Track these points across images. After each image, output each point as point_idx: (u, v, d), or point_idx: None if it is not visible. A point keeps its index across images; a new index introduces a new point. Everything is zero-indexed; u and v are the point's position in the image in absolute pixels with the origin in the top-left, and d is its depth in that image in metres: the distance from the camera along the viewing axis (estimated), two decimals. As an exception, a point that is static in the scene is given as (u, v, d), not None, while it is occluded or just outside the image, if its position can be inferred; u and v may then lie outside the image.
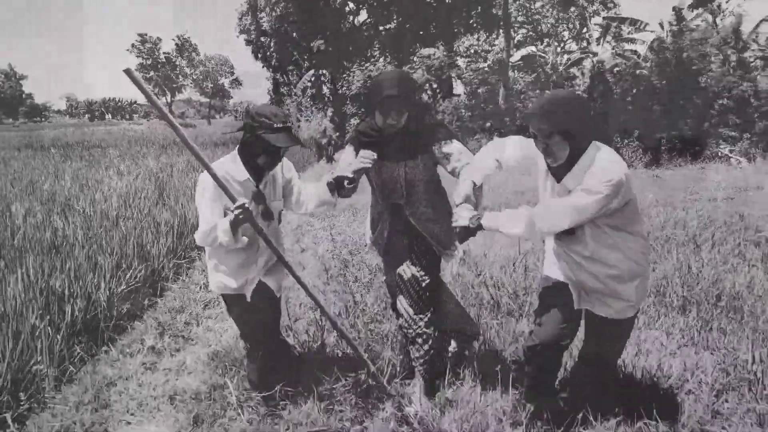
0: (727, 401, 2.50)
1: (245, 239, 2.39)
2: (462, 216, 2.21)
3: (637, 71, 15.65)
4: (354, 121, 19.70)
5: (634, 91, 15.32)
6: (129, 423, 2.70)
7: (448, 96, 19.12)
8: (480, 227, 2.18)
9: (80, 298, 3.54)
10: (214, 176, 2.17)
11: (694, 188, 9.63)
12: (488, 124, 16.28)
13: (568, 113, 1.99)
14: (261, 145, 2.37)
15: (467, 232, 2.21)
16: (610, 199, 1.95)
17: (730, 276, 4.13)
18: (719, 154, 14.23)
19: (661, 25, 18.45)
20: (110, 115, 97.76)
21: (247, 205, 2.23)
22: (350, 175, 2.43)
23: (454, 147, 2.54)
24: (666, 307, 3.62)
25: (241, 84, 65.83)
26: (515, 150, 2.35)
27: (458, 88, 21.39)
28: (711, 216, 6.69)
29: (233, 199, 2.22)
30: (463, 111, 16.90)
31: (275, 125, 2.35)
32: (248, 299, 2.56)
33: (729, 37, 14.94)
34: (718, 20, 20.01)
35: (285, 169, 2.65)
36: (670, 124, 14.66)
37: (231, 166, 2.47)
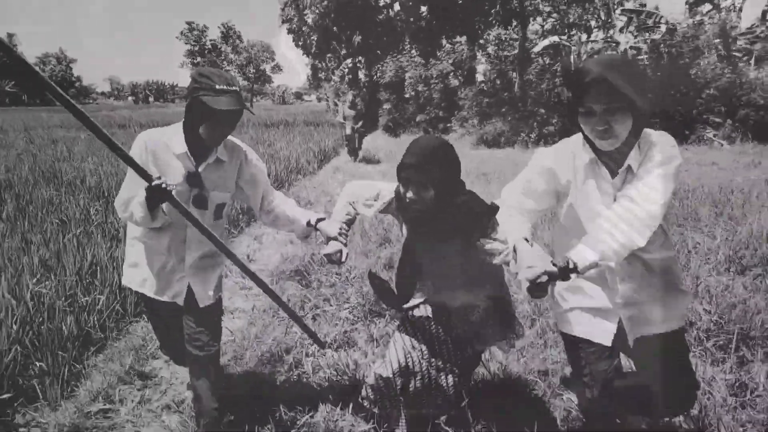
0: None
1: (166, 219, 2.12)
2: (538, 263, 1.64)
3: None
4: (386, 107, 22.18)
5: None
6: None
7: (471, 84, 21.47)
8: (574, 270, 1.65)
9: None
10: (118, 150, 1.86)
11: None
12: (503, 110, 18.63)
13: (635, 78, 1.68)
14: (200, 109, 2.03)
15: (548, 283, 1.63)
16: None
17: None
18: (704, 137, 16.27)
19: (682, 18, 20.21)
20: (152, 98, 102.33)
21: (166, 185, 1.93)
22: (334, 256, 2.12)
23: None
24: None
25: (281, 69, 69.09)
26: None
27: (481, 76, 23.69)
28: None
29: (147, 178, 1.93)
30: (482, 97, 19.25)
31: (217, 86, 2.02)
32: (180, 304, 2.25)
33: (717, 33, 16.86)
34: (723, 15, 21.75)
35: (246, 161, 2.31)
36: (663, 111, 16.75)
37: (171, 136, 2.17)
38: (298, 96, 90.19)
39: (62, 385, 2.80)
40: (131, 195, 2.08)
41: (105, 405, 2.64)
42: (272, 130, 18.73)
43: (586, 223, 1.82)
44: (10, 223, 5.00)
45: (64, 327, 3.13)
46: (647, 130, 1.76)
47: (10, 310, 3.08)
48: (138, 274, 2.27)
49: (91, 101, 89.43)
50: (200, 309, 2.24)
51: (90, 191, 6.50)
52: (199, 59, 62.99)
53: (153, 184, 1.90)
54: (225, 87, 2.02)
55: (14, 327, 2.98)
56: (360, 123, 13.01)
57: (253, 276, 2.25)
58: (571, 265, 1.63)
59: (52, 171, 8.12)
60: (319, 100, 53.12)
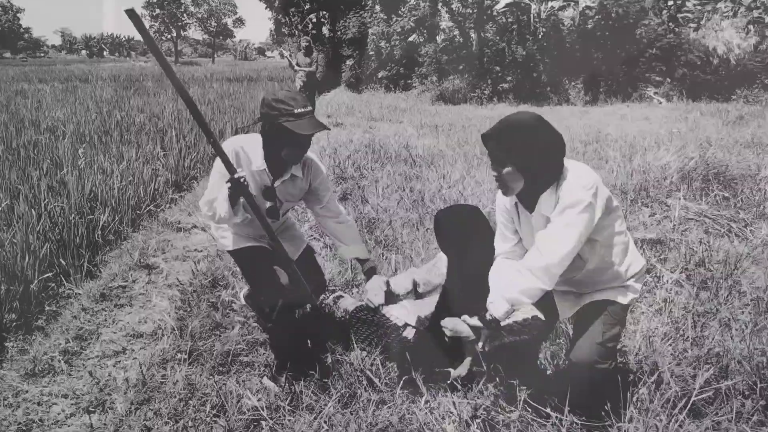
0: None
1: (246, 216, 2.27)
2: (462, 326, 1.98)
3: (587, 24, 18.63)
4: (349, 63, 22.62)
5: (581, 40, 18.39)
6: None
7: (432, 41, 22.05)
8: (495, 322, 1.86)
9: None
10: (215, 144, 2.06)
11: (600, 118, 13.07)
12: (461, 67, 19.40)
13: (527, 144, 1.76)
14: (283, 135, 2.15)
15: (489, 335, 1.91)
16: (594, 207, 1.74)
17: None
18: (646, 95, 17.49)
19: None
20: (107, 52, 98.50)
21: (244, 180, 2.11)
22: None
23: None
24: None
25: (243, 23, 67.45)
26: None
27: (442, 33, 24.24)
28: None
29: (231, 171, 2.09)
30: (441, 54, 19.94)
31: (296, 110, 2.13)
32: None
33: (661, -5, 17.88)
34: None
35: (313, 175, 2.45)
36: (608, 69, 17.84)
37: (253, 149, 2.31)
38: (261, 52, 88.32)
39: (83, 276, 3.64)
40: (215, 196, 2.27)
41: (122, 282, 3.50)
42: (235, 84, 19.08)
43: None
44: (8, 161, 5.65)
45: (77, 236, 3.93)
46: (568, 167, 1.82)
47: (33, 222, 3.86)
48: (230, 237, 2.52)
49: (42, 54, 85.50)
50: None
51: (73, 136, 7.12)
52: (158, 11, 60.95)
53: (234, 176, 2.08)
54: (302, 110, 2.14)
55: (39, 233, 3.77)
56: (315, 72, 10.99)
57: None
58: (490, 318, 1.85)
59: (29, 119, 8.61)
60: (282, 56, 52.41)
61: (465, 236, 2.30)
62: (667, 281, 3.36)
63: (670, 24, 18.07)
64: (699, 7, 19.53)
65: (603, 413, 2.03)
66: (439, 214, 2.40)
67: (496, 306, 1.84)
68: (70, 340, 2.84)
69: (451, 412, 2.27)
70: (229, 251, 2.55)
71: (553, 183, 1.81)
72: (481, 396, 2.26)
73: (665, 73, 17.55)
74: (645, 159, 5.88)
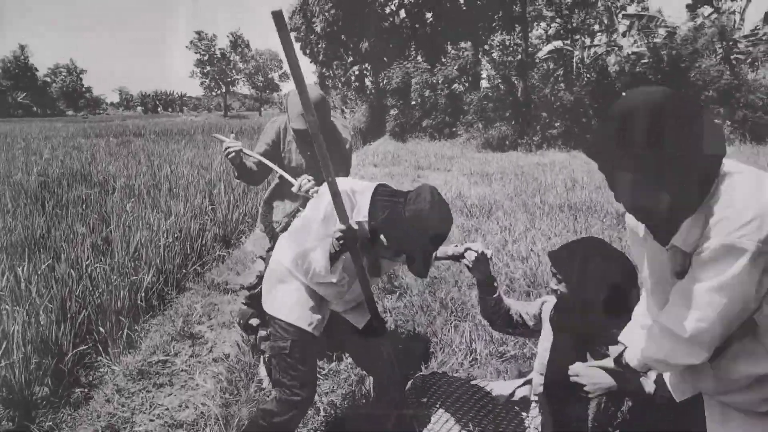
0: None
1: (344, 276, 1.91)
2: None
3: (636, 69, 18.14)
4: (393, 112, 22.70)
5: (633, 84, 17.86)
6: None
7: (476, 89, 21.95)
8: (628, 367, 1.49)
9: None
10: (332, 184, 1.71)
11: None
12: (507, 114, 19.09)
13: (642, 130, 1.09)
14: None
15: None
16: (759, 256, 1.07)
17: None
18: (704, 138, 16.64)
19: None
20: (161, 108, 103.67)
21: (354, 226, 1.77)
22: None
23: None
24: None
25: (289, 77, 69.59)
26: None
27: (485, 81, 24.17)
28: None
29: (344, 220, 1.76)
30: (486, 102, 19.72)
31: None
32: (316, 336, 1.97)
33: (715, 36, 17.28)
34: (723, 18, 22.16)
35: None
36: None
37: (362, 198, 1.88)
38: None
39: (123, 345, 3.30)
40: (311, 246, 1.88)
41: (163, 356, 3.13)
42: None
43: (648, 295, 1.47)
44: (56, 218, 5.51)
45: (119, 300, 3.62)
46: (728, 178, 1.16)
47: (72, 284, 3.58)
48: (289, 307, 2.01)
49: (101, 112, 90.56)
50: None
51: (122, 190, 7.04)
52: (208, 68, 63.92)
53: (348, 225, 1.76)
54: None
55: (78, 298, 3.48)
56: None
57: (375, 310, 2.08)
58: (624, 362, 1.53)
59: (82, 173, 8.67)
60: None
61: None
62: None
63: (725, 65, 17.37)
64: (751, 48, 18.80)
65: None
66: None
67: (630, 357, 1.49)
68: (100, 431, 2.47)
69: None
70: (276, 317, 1.96)
71: (702, 202, 1.15)
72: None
73: (724, 116, 16.75)
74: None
